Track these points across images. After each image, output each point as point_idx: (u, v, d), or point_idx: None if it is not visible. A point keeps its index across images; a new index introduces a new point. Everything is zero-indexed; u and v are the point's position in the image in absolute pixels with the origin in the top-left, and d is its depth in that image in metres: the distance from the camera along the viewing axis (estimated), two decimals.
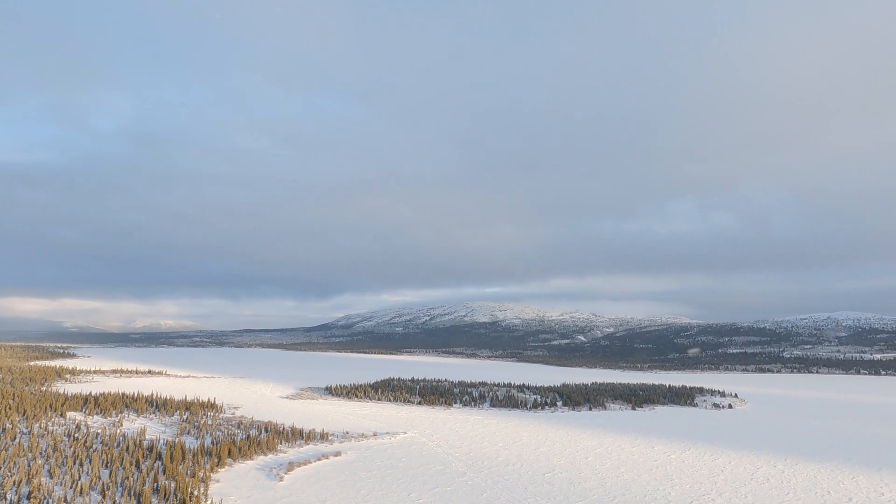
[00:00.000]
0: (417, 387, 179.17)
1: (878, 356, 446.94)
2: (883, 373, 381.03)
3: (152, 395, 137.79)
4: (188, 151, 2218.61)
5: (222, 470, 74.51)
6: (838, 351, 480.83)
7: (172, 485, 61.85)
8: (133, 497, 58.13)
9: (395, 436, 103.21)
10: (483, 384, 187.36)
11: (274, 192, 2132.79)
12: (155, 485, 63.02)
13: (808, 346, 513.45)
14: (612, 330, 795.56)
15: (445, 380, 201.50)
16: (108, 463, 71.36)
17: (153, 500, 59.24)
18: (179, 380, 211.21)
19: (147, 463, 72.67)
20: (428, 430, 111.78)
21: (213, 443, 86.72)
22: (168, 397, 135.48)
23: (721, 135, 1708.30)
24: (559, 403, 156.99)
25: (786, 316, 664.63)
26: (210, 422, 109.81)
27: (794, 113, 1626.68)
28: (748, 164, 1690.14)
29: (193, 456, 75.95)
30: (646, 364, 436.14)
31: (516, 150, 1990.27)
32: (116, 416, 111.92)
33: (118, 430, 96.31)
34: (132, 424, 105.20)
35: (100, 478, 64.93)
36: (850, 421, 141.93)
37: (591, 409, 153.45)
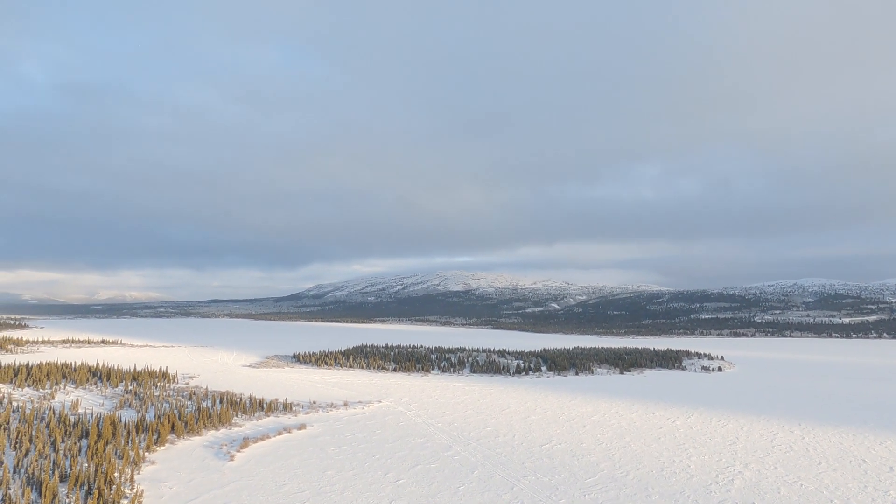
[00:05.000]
0: (392, 353, 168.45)
1: (846, 320, 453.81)
2: (854, 335, 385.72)
3: (97, 364, 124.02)
4: (128, 106, 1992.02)
5: (161, 448, 62.48)
6: (808, 315, 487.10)
7: (92, 468, 49.77)
8: (32, 486, 45.87)
9: (369, 405, 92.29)
10: (461, 350, 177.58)
11: (225, 152, 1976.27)
12: (68, 469, 50.76)
13: (778, 311, 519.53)
14: (584, 297, 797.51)
15: (421, 346, 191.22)
16: (16, 443, 58.65)
17: (61, 489, 47.05)
18: (135, 349, 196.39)
19: (68, 442, 60.14)
20: (405, 398, 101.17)
21: (155, 416, 74.46)
22: (115, 367, 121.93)
23: (685, 95, 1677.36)
24: (543, 368, 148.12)
25: (753, 283, 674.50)
26: (158, 393, 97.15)
27: (757, 71, 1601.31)
28: (711, 126, 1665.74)
29: (128, 433, 63.73)
30: (621, 330, 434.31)
31: (480, 111, 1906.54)
32: (50, 388, 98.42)
33: (47, 404, 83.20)
34: (66, 397, 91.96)
35: (1, 462, 52.32)
36: (842, 381, 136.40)
37: (577, 373, 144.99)
